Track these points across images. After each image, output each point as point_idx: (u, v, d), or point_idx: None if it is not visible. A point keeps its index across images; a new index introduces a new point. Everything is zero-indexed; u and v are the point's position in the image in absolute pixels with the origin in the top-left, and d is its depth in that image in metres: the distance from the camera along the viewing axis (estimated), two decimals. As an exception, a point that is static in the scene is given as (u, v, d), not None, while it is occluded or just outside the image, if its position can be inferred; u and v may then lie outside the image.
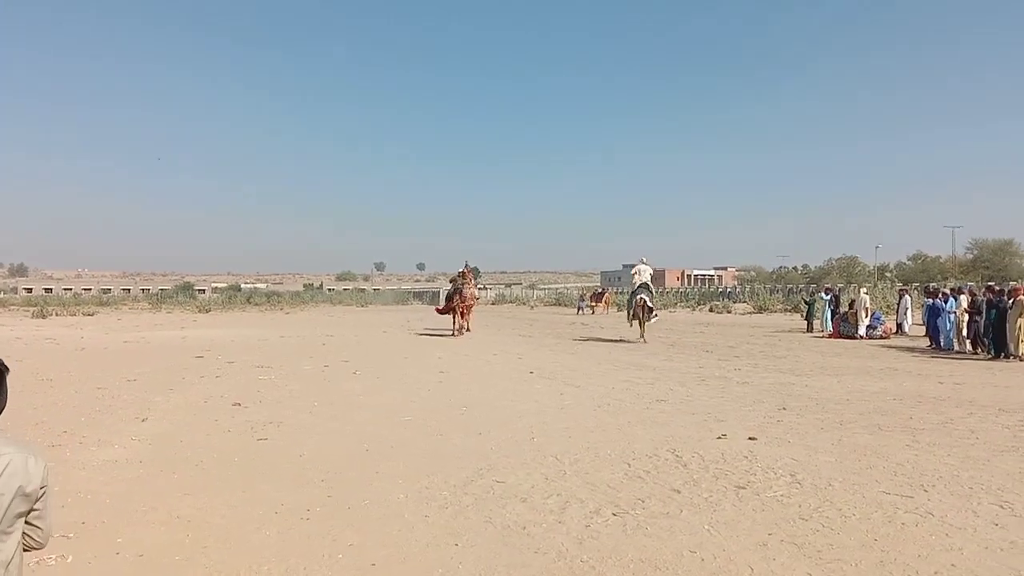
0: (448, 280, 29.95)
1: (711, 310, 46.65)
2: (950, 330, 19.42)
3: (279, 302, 64.85)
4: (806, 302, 29.85)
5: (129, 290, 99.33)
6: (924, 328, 22.13)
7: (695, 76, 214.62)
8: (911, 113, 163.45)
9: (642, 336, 21.74)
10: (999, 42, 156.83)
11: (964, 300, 19.08)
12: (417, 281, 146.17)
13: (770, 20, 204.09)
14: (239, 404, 10.43)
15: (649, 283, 22.16)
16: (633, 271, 22.74)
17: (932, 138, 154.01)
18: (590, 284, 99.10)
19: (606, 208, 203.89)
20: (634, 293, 21.90)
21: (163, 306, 57.07)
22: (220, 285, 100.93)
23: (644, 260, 22.57)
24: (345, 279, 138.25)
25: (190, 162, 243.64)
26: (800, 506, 5.49)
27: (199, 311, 51.38)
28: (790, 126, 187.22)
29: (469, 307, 25.69)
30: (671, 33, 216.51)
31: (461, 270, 25.81)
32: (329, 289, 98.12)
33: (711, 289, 68.26)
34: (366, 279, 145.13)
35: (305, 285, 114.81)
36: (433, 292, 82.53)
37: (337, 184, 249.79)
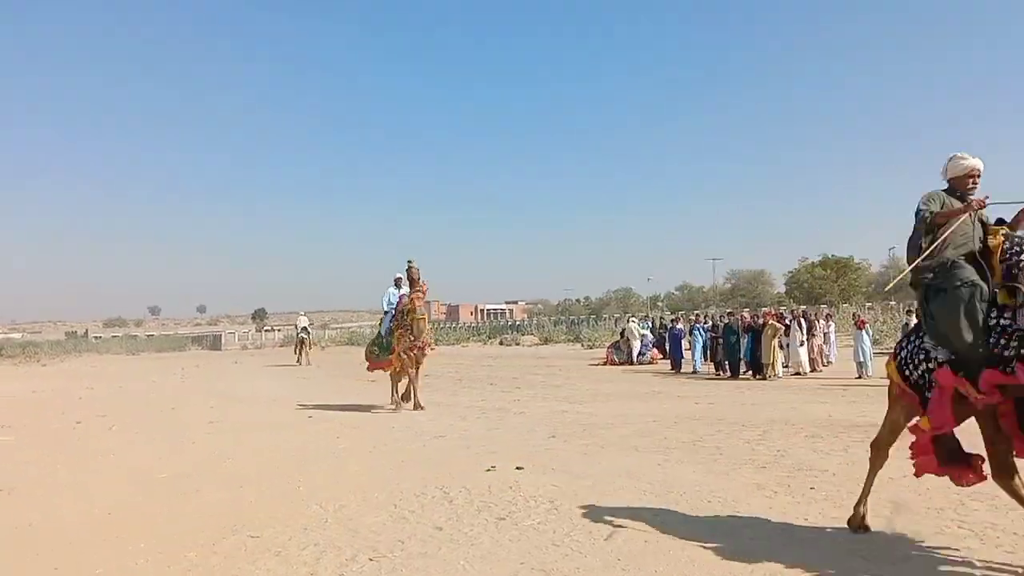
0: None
1: (501, 343, 47.74)
2: (700, 354, 21.43)
3: (36, 353, 58.27)
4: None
5: None
6: (664, 353, 24.55)
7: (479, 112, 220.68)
8: (673, 148, 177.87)
9: (307, 362, 32.27)
10: (750, 84, 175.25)
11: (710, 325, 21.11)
12: (197, 325, 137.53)
13: (533, 46, 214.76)
14: (-38, 473, 9.16)
15: (308, 327, 34.50)
16: (298, 320, 35.72)
17: (692, 172, 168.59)
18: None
19: (399, 244, 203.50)
20: (298, 334, 34.23)
21: None
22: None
23: (303, 313, 35.60)
24: (114, 325, 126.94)
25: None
26: (554, 532, 5.65)
27: (-65, 368, 45.10)
28: (567, 160, 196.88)
29: None
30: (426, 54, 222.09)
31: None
32: (96, 337, 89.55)
33: (502, 323, 69.88)
34: (138, 324, 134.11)
35: (67, 333, 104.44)
36: (215, 335, 77.92)
37: (104, 220, 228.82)
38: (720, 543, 5.27)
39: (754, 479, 7.33)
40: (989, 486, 6.59)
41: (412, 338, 13.88)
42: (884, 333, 29.03)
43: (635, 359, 25.49)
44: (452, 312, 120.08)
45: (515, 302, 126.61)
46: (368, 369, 15.89)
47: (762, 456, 8.53)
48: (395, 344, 14.18)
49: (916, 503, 6.15)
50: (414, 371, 14.09)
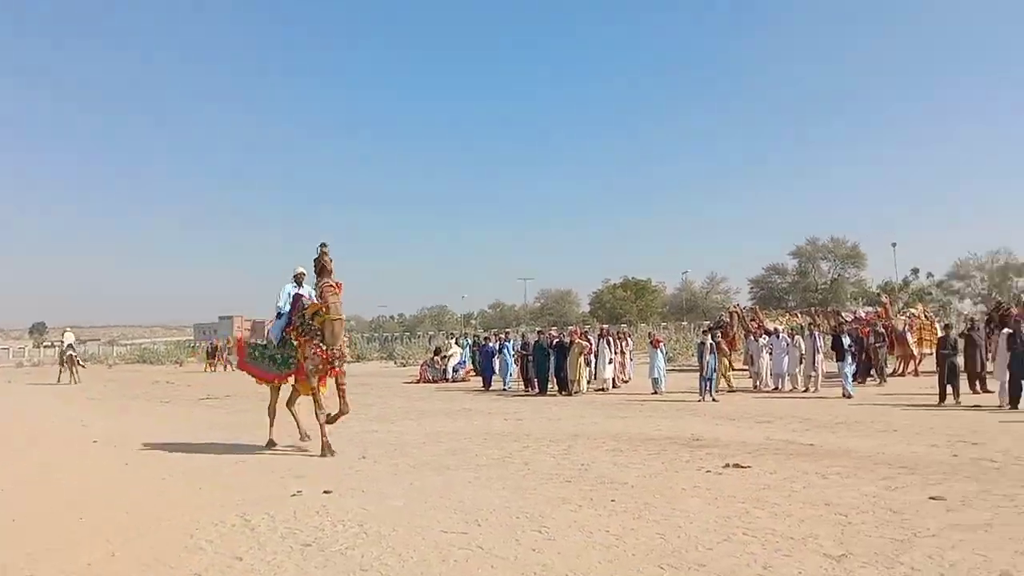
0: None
1: (308, 360, 46.32)
2: (509, 370, 21.99)
3: None
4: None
5: None
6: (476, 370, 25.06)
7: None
8: (487, 168, 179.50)
9: (74, 380, 30.07)
10: (558, 110, 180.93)
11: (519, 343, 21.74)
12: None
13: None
14: None
15: (73, 344, 32.77)
16: (63, 336, 34.43)
17: (508, 194, 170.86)
18: (183, 339, 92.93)
19: (193, 256, 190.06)
20: (63, 352, 32.08)
21: None
22: None
23: (69, 329, 34.59)
24: None
25: None
26: (363, 556, 5.54)
27: None
28: (379, 176, 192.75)
29: None
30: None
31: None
32: None
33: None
34: None
35: None
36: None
37: None
38: (526, 559, 5.39)
39: (560, 493, 7.57)
40: (773, 493, 7.25)
41: (323, 347, 10.47)
42: (677, 351, 31.13)
43: (449, 376, 25.66)
44: (257, 328, 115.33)
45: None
46: (256, 379, 12.00)
47: (567, 470, 8.84)
48: (300, 357, 10.71)
49: (707, 512, 6.60)
50: (320, 393, 10.72)
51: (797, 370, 18.71)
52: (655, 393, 18.59)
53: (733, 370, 19.97)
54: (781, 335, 19.37)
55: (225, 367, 40.73)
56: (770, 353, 19.38)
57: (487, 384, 22.34)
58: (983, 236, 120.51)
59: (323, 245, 10.59)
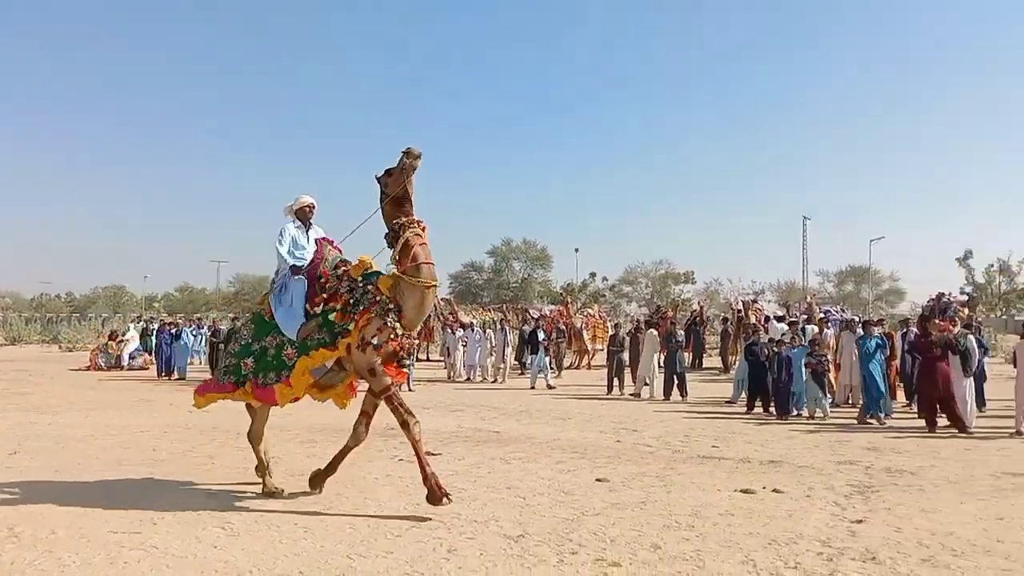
0: None
1: (-50, 343, 39.87)
2: (188, 357, 21.03)
3: None
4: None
5: None
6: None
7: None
8: (185, 144, 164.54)
9: None
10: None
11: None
12: None
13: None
14: None
15: None
16: None
17: (201, 171, 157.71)
18: None
19: None
20: None
21: None
22: None
23: None
24: None
25: None
26: (13, 563, 4.90)
27: None
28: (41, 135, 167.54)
29: None
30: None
31: None
32: None
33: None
34: None
35: None
36: None
37: None
38: (206, 556, 5.13)
39: (247, 488, 7.27)
40: (460, 479, 7.59)
41: (398, 328, 6.37)
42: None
43: (124, 364, 23.50)
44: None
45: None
46: (199, 399, 7.45)
47: (257, 464, 8.52)
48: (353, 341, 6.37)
49: (397, 500, 6.74)
50: (397, 392, 6.47)
51: (488, 362, 19.80)
52: (356, 383, 18.59)
53: (429, 361, 20.61)
54: (475, 328, 20.38)
55: None
56: (464, 345, 20.29)
57: (168, 373, 20.80)
58: (650, 247, 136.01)
59: (411, 152, 6.31)
